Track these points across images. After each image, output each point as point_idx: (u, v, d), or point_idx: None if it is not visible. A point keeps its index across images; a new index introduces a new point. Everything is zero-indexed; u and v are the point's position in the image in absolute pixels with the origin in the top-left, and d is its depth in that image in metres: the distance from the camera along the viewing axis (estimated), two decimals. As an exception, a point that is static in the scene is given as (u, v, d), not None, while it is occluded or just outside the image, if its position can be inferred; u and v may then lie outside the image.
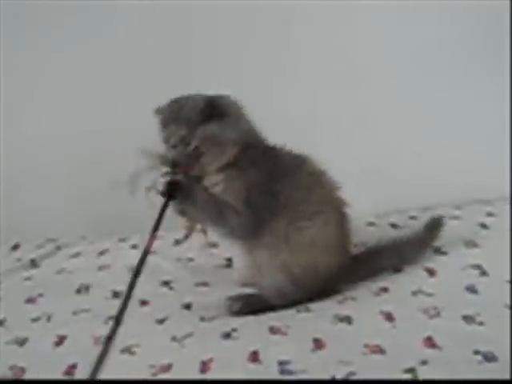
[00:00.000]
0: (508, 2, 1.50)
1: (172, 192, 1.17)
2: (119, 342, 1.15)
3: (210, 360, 1.07)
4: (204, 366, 1.05)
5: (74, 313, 1.29)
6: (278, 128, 1.59)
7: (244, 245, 1.26)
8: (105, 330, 1.20)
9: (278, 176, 1.21)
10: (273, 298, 1.23)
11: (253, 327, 1.17)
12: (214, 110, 1.15)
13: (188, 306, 1.29)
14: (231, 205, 1.18)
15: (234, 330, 1.16)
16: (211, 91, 1.55)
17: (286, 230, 1.20)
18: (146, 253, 1.09)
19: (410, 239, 1.34)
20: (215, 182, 1.19)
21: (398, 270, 1.33)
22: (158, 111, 1.21)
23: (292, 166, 1.24)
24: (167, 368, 1.06)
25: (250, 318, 1.21)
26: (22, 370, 1.10)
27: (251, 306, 1.23)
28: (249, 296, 1.26)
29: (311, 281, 1.22)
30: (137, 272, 1.06)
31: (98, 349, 1.14)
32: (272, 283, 1.22)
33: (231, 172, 1.18)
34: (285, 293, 1.22)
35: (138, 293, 1.32)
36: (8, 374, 1.10)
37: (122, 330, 1.20)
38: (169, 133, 1.17)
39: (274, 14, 1.54)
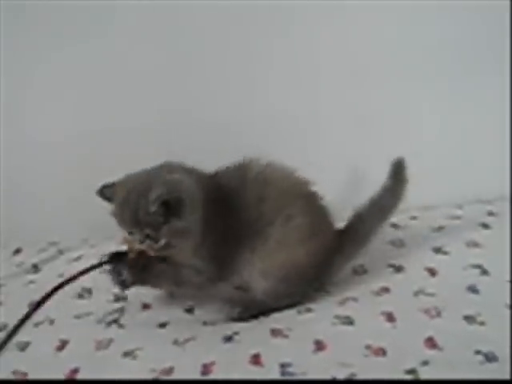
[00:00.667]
0: (508, 2, 1.50)
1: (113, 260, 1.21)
2: (121, 345, 1.17)
3: (212, 363, 1.07)
4: (206, 369, 1.06)
5: (76, 317, 1.29)
6: (279, 128, 1.61)
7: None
8: (107, 334, 1.21)
9: (226, 213, 1.20)
10: (268, 302, 1.23)
11: (254, 330, 1.17)
12: (172, 209, 1.12)
13: (189, 310, 1.28)
14: (189, 265, 1.18)
15: (236, 333, 1.16)
16: (212, 91, 1.58)
17: (252, 243, 1.20)
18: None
19: (382, 193, 1.32)
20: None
21: (398, 269, 1.33)
22: (105, 196, 1.21)
23: (234, 189, 1.22)
24: (169, 371, 1.06)
25: (251, 321, 1.21)
26: (24, 374, 1.11)
27: (250, 311, 1.23)
28: (247, 301, 1.25)
29: (300, 273, 1.21)
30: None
31: (101, 353, 1.15)
32: (261, 290, 1.22)
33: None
34: (277, 294, 1.22)
35: (140, 297, 1.34)
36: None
37: (123, 333, 1.22)
38: (131, 233, 1.16)
39: (275, 13, 1.53)
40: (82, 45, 1.57)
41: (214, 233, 1.17)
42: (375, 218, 1.32)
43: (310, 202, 1.25)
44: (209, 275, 1.19)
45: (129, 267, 1.20)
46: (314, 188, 1.27)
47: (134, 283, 1.21)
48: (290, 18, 1.55)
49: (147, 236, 1.13)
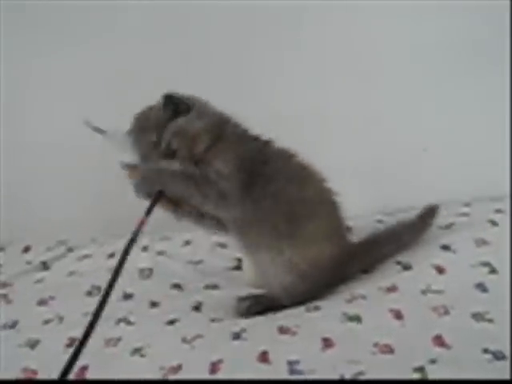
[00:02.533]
0: (508, 2, 1.50)
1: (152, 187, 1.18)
2: (130, 343, 1.17)
3: (220, 361, 1.07)
4: (214, 367, 1.06)
5: (85, 315, 1.30)
6: (285, 127, 1.60)
7: (245, 247, 1.25)
8: (116, 332, 1.22)
9: (266, 160, 1.20)
10: (283, 298, 1.23)
11: (262, 327, 1.18)
12: (176, 106, 1.14)
13: (198, 308, 1.29)
14: (219, 170, 1.16)
15: (244, 330, 1.16)
16: (219, 92, 1.58)
17: (287, 228, 1.20)
18: (136, 234, 1.08)
19: (406, 225, 1.37)
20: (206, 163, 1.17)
21: (406, 267, 1.33)
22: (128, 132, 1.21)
23: (278, 155, 1.23)
24: (177, 369, 1.07)
25: (259, 318, 1.21)
26: (34, 372, 1.11)
27: (259, 306, 1.24)
28: (257, 296, 1.26)
29: (319, 274, 1.23)
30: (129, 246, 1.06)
31: (110, 350, 1.16)
32: (280, 284, 1.22)
33: (217, 147, 1.17)
34: (294, 291, 1.23)
35: (149, 294, 1.35)
36: (20, 377, 1.11)
37: (132, 331, 1.22)
38: (140, 144, 1.17)
39: (282, 13, 1.54)
40: (82, 44, 1.58)
41: (252, 163, 1.18)
42: (390, 248, 1.36)
43: (336, 209, 1.28)
44: (235, 185, 1.17)
45: None
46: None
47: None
48: (298, 18, 1.55)
49: (154, 146, 1.15)
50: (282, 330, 1.15)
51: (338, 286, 1.29)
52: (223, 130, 1.19)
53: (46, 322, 1.29)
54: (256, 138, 1.24)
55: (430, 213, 1.39)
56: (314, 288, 1.24)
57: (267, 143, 1.25)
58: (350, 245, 1.31)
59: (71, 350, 1.15)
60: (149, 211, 1.12)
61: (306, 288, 1.23)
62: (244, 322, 1.19)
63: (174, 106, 1.15)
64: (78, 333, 1.21)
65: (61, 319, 1.29)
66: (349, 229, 1.35)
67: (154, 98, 1.58)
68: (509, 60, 1.53)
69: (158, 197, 1.15)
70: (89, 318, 1.18)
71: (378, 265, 1.35)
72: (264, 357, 1.07)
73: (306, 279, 1.22)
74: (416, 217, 1.39)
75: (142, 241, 1.57)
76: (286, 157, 1.25)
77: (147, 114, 1.19)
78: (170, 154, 1.15)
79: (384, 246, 1.35)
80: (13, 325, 1.28)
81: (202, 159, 1.17)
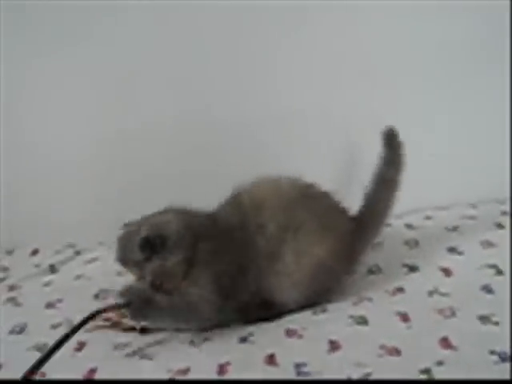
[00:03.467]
0: (508, 2, 1.50)
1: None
2: (138, 346, 1.18)
3: (228, 363, 1.08)
4: (221, 370, 1.06)
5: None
6: (285, 126, 1.61)
7: None
8: (124, 337, 1.22)
9: (228, 247, 1.20)
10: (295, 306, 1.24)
11: (269, 330, 1.18)
12: (152, 247, 1.15)
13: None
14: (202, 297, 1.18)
15: (251, 333, 1.17)
16: (223, 92, 1.59)
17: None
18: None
19: (382, 166, 1.34)
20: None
21: (413, 269, 1.33)
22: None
23: (233, 224, 1.23)
24: (185, 372, 1.07)
25: (266, 322, 1.21)
26: (43, 374, 1.11)
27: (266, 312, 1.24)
28: (263, 303, 1.25)
29: (329, 270, 1.23)
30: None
31: (118, 354, 1.16)
32: (295, 300, 1.23)
33: (193, 275, 1.18)
34: (312, 296, 1.23)
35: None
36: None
37: (140, 336, 1.23)
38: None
39: (287, 12, 1.54)
40: (83, 44, 1.58)
41: (217, 268, 1.18)
42: (385, 193, 1.33)
43: (311, 202, 1.26)
44: (223, 306, 1.18)
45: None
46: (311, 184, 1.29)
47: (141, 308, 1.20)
48: (301, 17, 1.55)
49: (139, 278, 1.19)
50: (289, 333, 1.15)
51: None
52: (195, 253, 1.18)
53: (54, 326, 1.29)
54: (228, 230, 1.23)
55: (391, 137, 1.33)
56: (330, 282, 1.25)
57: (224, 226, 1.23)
58: (349, 222, 1.29)
59: (80, 354, 1.17)
60: (75, 330, 1.13)
61: (321, 287, 1.23)
62: (251, 326, 1.20)
63: (151, 246, 1.15)
64: (86, 337, 1.22)
65: (69, 322, 1.29)
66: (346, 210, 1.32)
67: (154, 97, 1.60)
68: (509, 60, 1.53)
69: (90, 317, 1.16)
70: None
71: (387, 219, 1.35)
72: (271, 359, 1.08)
73: (316, 283, 1.22)
74: (384, 149, 1.33)
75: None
76: (242, 215, 1.24)
77: (125, 245, 1.20)
78: (155, 287, 1.17)
79: (379, 198, 1.33)
80: (21, 329, 1.29)
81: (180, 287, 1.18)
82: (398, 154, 1.34)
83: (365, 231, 1.32)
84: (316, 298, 1.24)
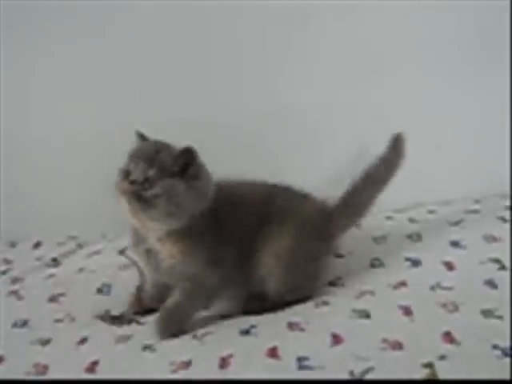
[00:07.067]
0: (508, 2, 1.49)
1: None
2: (140, 339, 1.18)
3: (230, 356, 1.07)
4: (223, 362, 1.06)
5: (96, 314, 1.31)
6: (295, 123, 1.61)
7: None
8: (126, 330, 1.23)
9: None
10: (283, 293, 1.24)
11: (271, 323, 1.18)
12: (188, 167, 1.12)
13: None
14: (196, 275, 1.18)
15: (253, 326, 1.17)
16: (224, 90, 1.59)
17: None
18: None
19: (378, 165, 1.35)
20: (171, 255, 1.16)
21: (416, 263, 1.33)
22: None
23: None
24: (187, 364, 1.07)
25: (268, 315, 1.21)
26: (45, 367, 1.12)
27: (268, 304, 1.24)
28: (265, 295, 1.25)
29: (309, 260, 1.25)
30: None
31: (120, 347, 1.17)
32: (276, 278, 1.23)
33: (186, 243, 1.16)
34: (291, 282, 1.23)
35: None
36: (32, 372, 1.12)
37: (142, 328, 1.23)
38: (134, 169, 1.12)
39: (287, 12, 1.54)
40: (83, 44, 1.58)
41: (221, 243, 1.18)
42: (370, 190, 1.35)
43: (276, 199, 1.27)
44: (221, 274, 1.18)
45: None
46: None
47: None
48: (302, 17, 1.55)
49: (146, 180, 1.10)
50: (291, 326, 1.15)
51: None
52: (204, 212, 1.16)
53: (57, 320, 1.29)
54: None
55: (398, 142, 1.36)
56: (310, 274, 1.26)
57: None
58: (327, 217, 1.30)
59: (83, 347, 1.17)
60: None
61: (300, 277, 1.24)
62: (253, 319, 1.20)
63: (186, 165, 1.12)
64: (88, 331, 1.22)
65: (72, 319, 1.30)
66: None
67: (154, 97, 1.60)
68: (509, 60, 1.53)
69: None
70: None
71: (367, 213, 1.35)
72: (273, 352, 1.07)
73: (295, 269, 1.22)
74: (386, 150, 1.36)
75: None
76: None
77: (161, 148, 1.14)
78: (146, 203, 1.10)
79: (363, 193, 1.34)
80: (24, 323, 1.29)
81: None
82: (397, 159, 1.35)
83: (340, 217, 1.32)
84: (297, 285, 1.24)
